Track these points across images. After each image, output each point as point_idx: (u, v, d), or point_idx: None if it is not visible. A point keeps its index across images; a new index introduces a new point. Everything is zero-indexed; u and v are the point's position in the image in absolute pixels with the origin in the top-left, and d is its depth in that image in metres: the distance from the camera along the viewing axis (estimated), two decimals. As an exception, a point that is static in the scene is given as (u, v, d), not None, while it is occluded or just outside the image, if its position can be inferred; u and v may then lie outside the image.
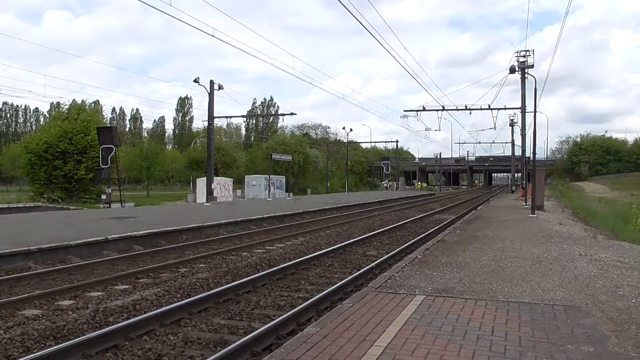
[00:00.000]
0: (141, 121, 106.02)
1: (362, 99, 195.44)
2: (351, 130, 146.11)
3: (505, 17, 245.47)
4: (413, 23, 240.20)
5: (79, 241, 11.59)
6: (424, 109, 38.84)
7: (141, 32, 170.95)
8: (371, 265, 10.02)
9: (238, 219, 18.04)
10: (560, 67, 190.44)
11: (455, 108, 38.50)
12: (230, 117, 62.54)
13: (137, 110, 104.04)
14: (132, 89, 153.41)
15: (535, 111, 21.89)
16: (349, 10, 16.64)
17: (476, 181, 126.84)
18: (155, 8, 15.14)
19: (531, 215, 19.35)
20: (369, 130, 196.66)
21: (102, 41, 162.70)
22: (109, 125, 52.46)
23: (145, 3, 13.06)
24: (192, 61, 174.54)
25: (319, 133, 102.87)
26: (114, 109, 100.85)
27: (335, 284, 8.38)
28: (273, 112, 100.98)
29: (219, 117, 39.00)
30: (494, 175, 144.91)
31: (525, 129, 37.81)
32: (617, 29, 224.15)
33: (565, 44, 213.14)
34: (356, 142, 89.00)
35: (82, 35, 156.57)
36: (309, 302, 7.06)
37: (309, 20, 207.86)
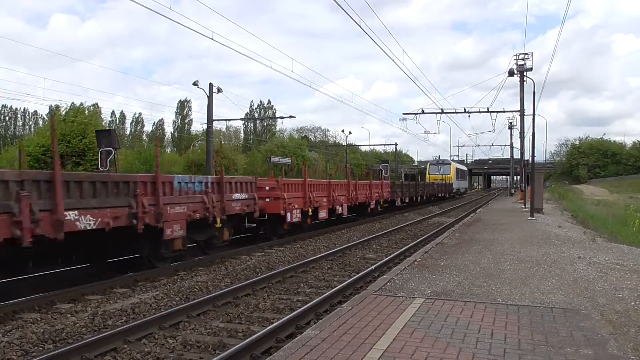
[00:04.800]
0: (142, 124, 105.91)
1: (362, 102, 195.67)
2: (350, 133, 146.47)
3: (509, 20, 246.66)
4: (416, 27, 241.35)
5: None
6: (423, 112, 38.83)
7: (146, 35, 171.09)
8: (370, 268, 10.02)
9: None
10: (562, 70, 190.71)
11: (454, 111, 38.54)
12: (229, 119, 62.81)
13: (140, 114, 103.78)
14: (135, 93, 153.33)
15: (534, 114, 21.98)
16: (349, 15, 16.71)
17: (475, 184, 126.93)
18: (153, 11, 15.14)
19: (530, 218, 19.34)
20: (369, 133, 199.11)
21: (108, 45, 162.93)
22: (107, 128, 52.45)
23: (144, 6, 13.10)
24: (195, 64, 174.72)
25: (318, 136, 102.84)
26: (113, 112, 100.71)
27: (335, 287, 8.39)
28: (271, 115, 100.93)
29: (217, 120, 39.02)
30: (493, 178, 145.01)
31: (524, 132, 37.85)
32: (619, 33, 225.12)
33: (568, 48, 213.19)
34: (355, 144, 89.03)
35: (88, 39, 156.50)
36: (308, 305, 7.07)
37: (313, 23, 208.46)
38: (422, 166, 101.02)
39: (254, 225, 14.15)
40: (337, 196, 18.46)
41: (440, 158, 59.94)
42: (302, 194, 15.76)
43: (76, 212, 7.75)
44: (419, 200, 33.94)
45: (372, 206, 23.53)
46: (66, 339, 5.97)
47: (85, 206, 7.94)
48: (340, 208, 18.87)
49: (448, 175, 51.65)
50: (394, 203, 27.76)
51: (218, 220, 11.33)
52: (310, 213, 16.13)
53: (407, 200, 30.62)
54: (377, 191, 24.26)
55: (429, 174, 53.49)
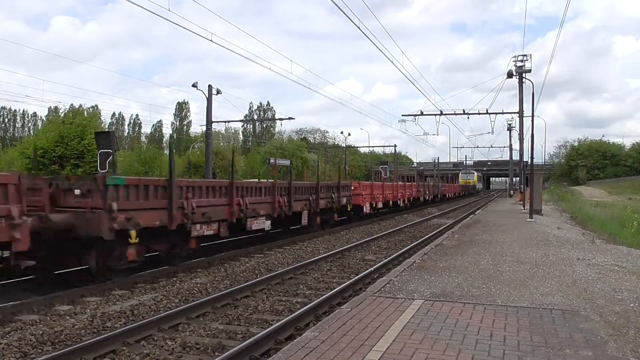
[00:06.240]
0: (140, 126, 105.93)
1: (362, 104, 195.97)
2: (349, 134, 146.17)
3: (508, 22, 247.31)
4: (416, 29, 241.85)
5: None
6: (421, 114, 38.80)
7: (147, 37, 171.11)
8: (370, 269, 10.02)
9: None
10: (562, 72, 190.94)
11: (454, 112, 38.53)
12: (228, 121, 62.30)
13: (137, 115, 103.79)
14: (135, 94, 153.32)
15: (532, 115, 22.01)
16: (348, 17, 16.74)
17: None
18: (153, 13, 15.13)
19: (529, 220, 19.34)
20: (368, 135, 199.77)
21: (108, 47, 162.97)
22: (107, 129, 52.39)
23: (144, 8, 13.09)
24: (195, 66, 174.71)
25: (317, 137, 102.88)
26: (113, 114, 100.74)
27: (334, 288, 8.38)
28: (270, 117, 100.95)
29: (217, 122, 38.99)
30: (492, 179, 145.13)
31: (523, 134, 37.88)
32: (619, 35, 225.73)
33: (568, 49, 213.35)
34: (354, 146, 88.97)
35: (88, 41, 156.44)
36: (307, 307, 7.07)
37: (313, 25, 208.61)
38: (421, 168, 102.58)
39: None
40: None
41: (467, 167, 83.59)
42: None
43: None
44: (463, 195, 62.72)
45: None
46: (65, 341, 5.96)
47: None
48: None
49: (472, 180, 76.87)
50: (460, 195, 57.49)
51: None
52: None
53: (465, 194, 62.17)
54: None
55: (461, 179, 75.92)
